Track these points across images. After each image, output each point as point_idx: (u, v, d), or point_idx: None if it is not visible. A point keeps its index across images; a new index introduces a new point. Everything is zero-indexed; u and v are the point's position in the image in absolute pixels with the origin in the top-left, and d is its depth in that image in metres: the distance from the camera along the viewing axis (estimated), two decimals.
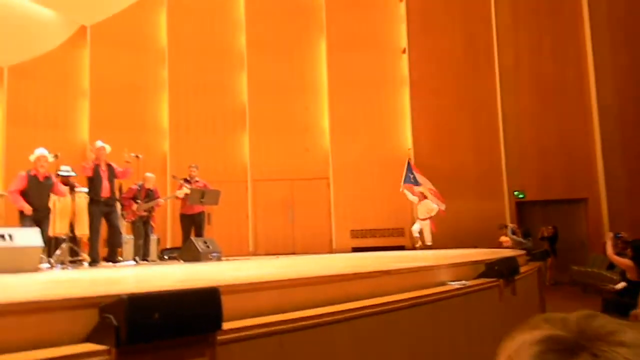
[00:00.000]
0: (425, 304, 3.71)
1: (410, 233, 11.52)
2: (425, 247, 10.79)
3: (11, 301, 1.91)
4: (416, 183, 11.81)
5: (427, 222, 11.05)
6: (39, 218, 7.02)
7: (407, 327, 3.50)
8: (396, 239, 12.49)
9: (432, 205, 11.15)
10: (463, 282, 4.41)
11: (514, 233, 11.59)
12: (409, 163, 12.10)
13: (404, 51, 13.51)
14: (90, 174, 7.59)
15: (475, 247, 9.41)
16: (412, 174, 11.93)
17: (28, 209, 6.93)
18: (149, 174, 8.81)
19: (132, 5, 13.54)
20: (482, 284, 4.65)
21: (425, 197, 11.25)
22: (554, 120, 12.82)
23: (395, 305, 3.40)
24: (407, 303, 3.51)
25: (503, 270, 4.94)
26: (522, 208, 12.99)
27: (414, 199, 11.39)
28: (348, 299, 3.22)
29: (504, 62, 13.13)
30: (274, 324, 2.50)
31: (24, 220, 7.03)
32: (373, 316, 3.18)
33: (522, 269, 5.82)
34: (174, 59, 13.72)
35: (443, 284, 4.32)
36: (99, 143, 7.83)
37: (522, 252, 7.93)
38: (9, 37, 11.89)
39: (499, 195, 12.78)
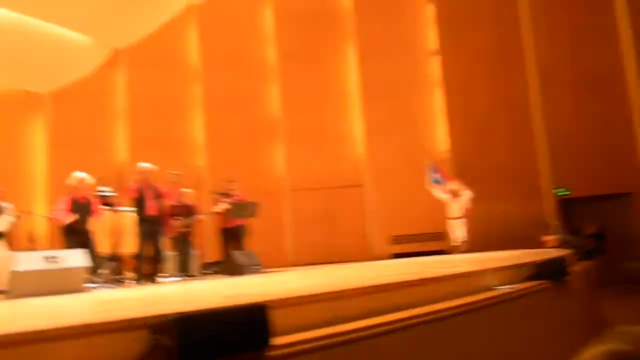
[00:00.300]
0: (476, 310, 3.61)
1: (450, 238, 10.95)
2: (459, 247, 10.29)
3: (62, 325, 1.92)
4: (442, 183, 11.29)
5: (462, 220, 10.54)
6: (82, 239, 7.18)
7: (458, 335, 3.41)
8: (437, 243, 12.27)
9: (465, 200, 10.55)
10: (512, 286, 4.28)
11: (558, 232, 11.26)
12: (431, 164, 11.46)
13: (434, 53, 13.36)
14: (135, 195, 7.76)
15: (520, 248, 9.17)
16: (437, 174, 11.40)
17: (73, 218, 7.09)
18: (187, 190, 8.92)
19: (163, 25, 13.84)
20: (531, 286, 4.51)
21: (458, 195, 10.61)
22: (593, 114, 12.44)
23: (446, 313, 3.32)
24: (457, 310, 3.42)
25: (552, 271, 4.79)
26: (565, 206, 12.62)
27: (444, 197, 10.83)
28: (397, 309, 3.15)
29: (538, 58, 12.83)
30: (323, 338, 2.46)
31: (68, 241, 7.20)
32: (423, 325, 3.10)
33: (572, 269, 5.62)
34: (206, 75, 13.91)
35: (491, 288, 4.20)
36: (144, 165, 7.98)
37: (570, 251, 7.69)
38: (47, 63, 12.28)
39: (540, 194, 12.45)
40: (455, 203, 10.56)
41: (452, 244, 10.40)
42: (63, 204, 7.28)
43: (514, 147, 12.63)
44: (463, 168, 12.45)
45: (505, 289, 4.19)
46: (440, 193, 10.92)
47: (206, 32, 14.09)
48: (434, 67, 13.39)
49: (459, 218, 10.46)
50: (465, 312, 3.49)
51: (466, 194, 10.52)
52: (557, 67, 12.75)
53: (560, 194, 12.49)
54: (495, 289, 4.18)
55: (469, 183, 11.08)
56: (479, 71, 12.92)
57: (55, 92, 12.82)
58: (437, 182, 11.15)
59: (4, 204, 7.66)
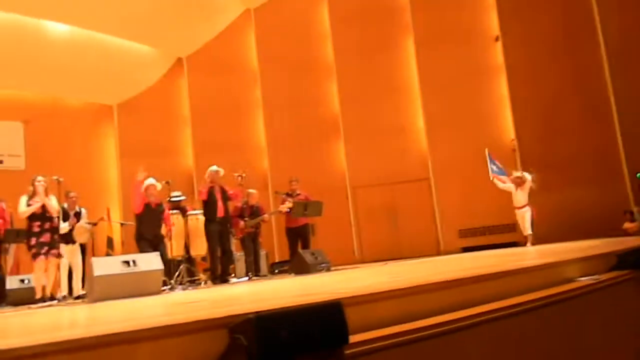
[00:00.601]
0: (556, 304, 3.44)
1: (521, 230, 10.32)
2: (529, 239, 9.65)
3: (140, 327, 1.96)
4: (502, 173, 10.73)
5: (528, 209, 9.89)
6: (155, 242, 7.42)
7: (538, 330, 3.27)
8: (507, 235, 11.89)
9: (529, 186, 9.90)
10: (595, 276, 4.06)
11: (638, 218, 10.66)
12: (489, 154, 10.78)
13: (497, 39, 12.92)
14: (205, 197, 7.97)
15: (599, 237, 8.72)
16: (495, 164, 10.82)
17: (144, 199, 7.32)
18: (252, 191, 9.06)
19: (222, 32, 14.15)
20: (616, 277, 4.26)
21: (523, 183, 9.94)
22: None
23: (524, 307, 3.18)
24: (536, 304, 3.28)
25: (637, 260, 4.50)
26: None
27: (509, 187, 10.23)
28: (472, 304, 3.05)
29: (609, 37, 12.15)
30: (400, 334, 2.41)
31: (141, 245, 7.45)
32: (501, 320, 2.99)
33: None
34: (265, 78, 14.12)
35: (572, 280, 4.00)
36: (214, 168, 8.18)
37: None
38: (114, 76, 12.84)
39: (618, 178, 11.78)
40: (520, 192, 9.98)
41: (524, 234, 9.87)
42: (141, 196, 7.53)
43: (589, 131, 12.03)
44: (532, 156, 12.00)
45: (587, 280, 3.98)
46: (502, 183, 10.40)
47: (263, 35, 14.30)
48: (497, 53, 12.95)
49: (524, 207, 9.90)
50: (544, 305, 3.34)
51: (529, 180, 9.92)
52: (626, 44, 12.05)
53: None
54: (576, 280, 3.98)
55: (539, 171, 10.61)
56: (546, 54, 12.40)
57: (122, 104, 13.38)
58: (497, 172, 10.65)
59: (82, 211, 8.05)
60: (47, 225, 6.83)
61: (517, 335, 3.09)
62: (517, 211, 10.03)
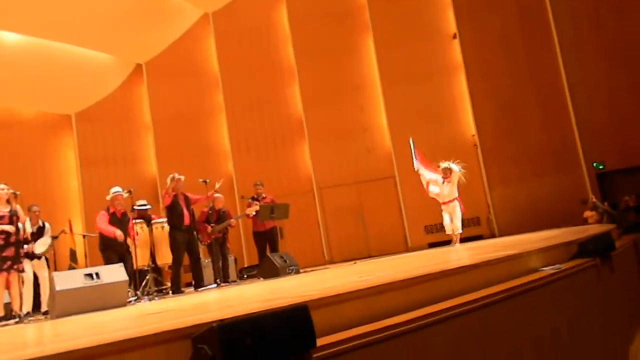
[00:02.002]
0: (521, 295, 3.51)
1: (448, 228, 9.10)
2: (457, 238, 8.75)
3: (105, 341, 1.92)
4: (421, 163, 9.57)
5: (456, 203, 8.86)
6: (121, 252, 7.27)
7: (504, 321, 3.32)
8: (473, 229, 12.08)
9: (457, 177, 8.83)
10: (557, 266, 4.16)
11: (597, 206, 10.95)
12: (413, 142, 9.70)
13: (454, 36, 13.13)
14: (168, 203, 7.83)
15: (559, 227, 8.94)
16: (416, 154, 9.66)
17: (120, 235, 7.19)
18: (217, 195, 8.96)
19: (180, 37, 13.97)
20: (577, 265, 4.37)
21: (450, 175, 8.84)
22: (625, 84, 12.06)
23: (489, 300, 3.23)
24: (500, 296, 3.33)
25: (598, 248, 4.63)
26: (603, 179, 12.28)
27: (435, 178, 9.10)
28: (438, 299, 3.08)
29: (562, 32, 12.50)
30: (368, 334, 2.41)
31: (107, 256, 7.29)
32: (467, 314, 3.02)
33: (617, 244, 5.44)
34: (227, 82, 13.99)
35: (535, 270, 4.08)
36: (175, 175, 8.04)
37: (613, 225, 7.47)
38: (72, 85, 12.53)
39: (576, 169, 12.14)
40: (447, 185, 8.99)
41: (454, 232, 8.85)
42: (104, 217, 7.39)
43: (547, 124, 12.37)
44: (493, 151, 12.24)
45: (550, 269, 4.07)
46: (428, 174, 9.34)
47: (222, 39, 14.17)
48: (455, 51, 13.14)
49: (453, 201, 8.95)
50: (509, 297, 3.40)
51: (457, 172, 8.92)
52: (579, 38, 12.43)
53: (598, 167, 12.17)
54: (539, 270, 4.06)
55: (501, 165, 10.82)
56: (503, 50, 12.71)
57: (81, 112, 13.07)
58: (420, 165, 9.52)
59: (46, 225, 7.81)
60: (12, 238, 6.40)
61: (483, 328, 3.13)
62: (443, 206, 9.06)
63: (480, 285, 3.43)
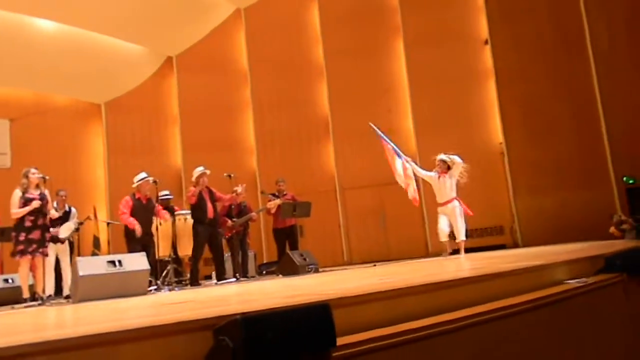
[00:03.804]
0: (545, 306, 3.44)
1: (446, 237, 7.99)
2: (454, 252, 7.51)
3: (125, 328, 1.93)
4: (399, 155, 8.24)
5: (456, 204, 7.51)
6: (145, 241, 7.35)
7: (526, 333, 3.26)
8: (496, 237, 11.92)
9: (457, 172, 7.29)
10: (583, 279, 4.06)
11: (621, 224, 10.69)
12: (377, 128, 8.42)
13: (486, 42, 12.97)
14: (194, 200, 7.89)
15: (586, 240, 8.77)
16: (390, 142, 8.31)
17: (139, 230, 7.27)
18: (239, 189, 8.98)
19: (212, 31, 14.09)
20: (604, 280, 4.26)
21: (448, 170, 7.40)
22: None
23: (512, 310, 3.17)
24: (524, 307, 3.27)
25: (627, 263, 4.51)
26: (632, 194, 12.00)
27: (429, 174, 7.80)
28: (460, 306, 3.03)
29: (597, 41, 12.24)
30: (388, 337, 2.38)
31: (131, 244, 7.38)
32: (489, 323, 2.97)
33: None
34: (255, 77, 14.06)
35: (560, 283, 4.00)
36: (200, 169, 8.11)
37: None
38: (103, 75, 12.73)
39: (605, 182, 11.87)
40: (445, 180, 7.66)
41: (441, 240, 7.65)
42: (127, 204, 7.47)
43: (577, 134, 12.11)
44: (520, 160, 12.05)
45: (575, 283, 3.98)
46: (420, 171, 8.07)
47: (253, 35, 14.24)
48: (486, 56, 12.99)
49: (452, 201, 7.64)
50: (532, 308, 3.33)
51: (459, 163, 7.44)
52: (614, 48, 12.15)
53: (628, 182, 11.90)
54: (564, 283, 3.98)
55: (527, 174, 10.61)
56: (535, 57, 12.47)
57: (111, 102, 13.28)
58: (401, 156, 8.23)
59: (72, 210, 7.93)
60: (40, 221, 6.56)
61: (505, 338, 3.08)
62: (440, 208, 7.79)
63: (504, 295, 3.37)
